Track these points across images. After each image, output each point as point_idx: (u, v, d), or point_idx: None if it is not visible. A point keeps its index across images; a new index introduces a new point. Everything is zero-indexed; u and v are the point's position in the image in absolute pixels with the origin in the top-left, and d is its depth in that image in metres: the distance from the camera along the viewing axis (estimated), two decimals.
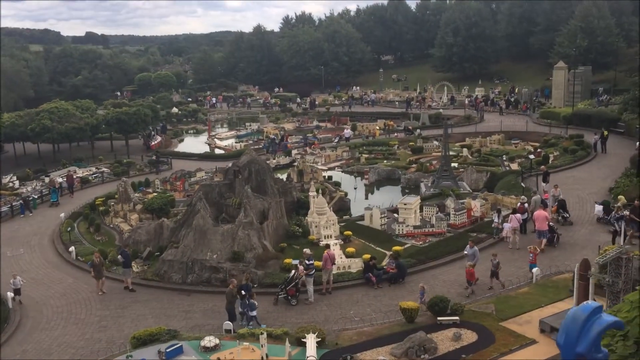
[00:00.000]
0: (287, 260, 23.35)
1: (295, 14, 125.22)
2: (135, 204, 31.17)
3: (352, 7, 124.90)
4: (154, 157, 44.92)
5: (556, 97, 59.34)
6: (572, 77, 56.82)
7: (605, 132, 41.01)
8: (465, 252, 21.78)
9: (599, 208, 26.61)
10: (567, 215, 26.75)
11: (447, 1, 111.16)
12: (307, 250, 22.28)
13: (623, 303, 9.84)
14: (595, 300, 16.67)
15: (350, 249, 24.75)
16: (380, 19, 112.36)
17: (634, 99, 42.20)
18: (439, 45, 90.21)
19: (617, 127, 45.33)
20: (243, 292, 19.34)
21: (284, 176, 36.13)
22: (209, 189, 27.54)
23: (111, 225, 30.64)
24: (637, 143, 37.77)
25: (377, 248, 25.32)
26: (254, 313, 19.07)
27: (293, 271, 21.60)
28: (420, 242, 25.57)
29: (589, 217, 27.22)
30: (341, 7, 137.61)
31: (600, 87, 62.41)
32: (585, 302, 6.39)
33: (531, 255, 21.13)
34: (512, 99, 64.90)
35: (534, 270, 20.94)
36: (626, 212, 23.18)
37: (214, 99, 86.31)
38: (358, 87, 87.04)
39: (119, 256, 23.60)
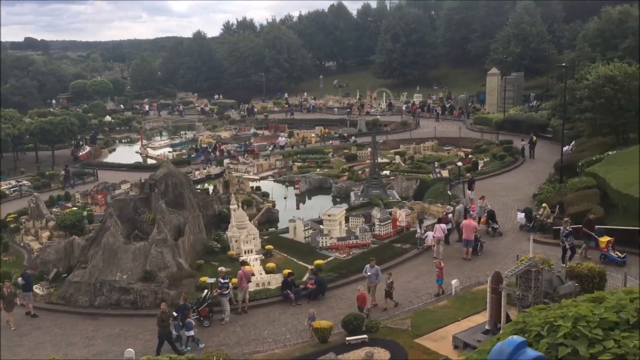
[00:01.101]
0: (203, 279, 22.27)
1: (237, 19, 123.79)
2: (47, 220, 29.40)
3: (295, 13, 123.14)
4: (63, 172, 42.38)
5: (490, 102, 60.23)
6: (504, 83, 57.72)
7: (534, 138, 41.57)
8: (367, 273, 20.39)
9: (521, 216, 26.62)
10: (497, 227, 26.45)
11: (388, 7, 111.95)
12: (221, 269, 21.25)
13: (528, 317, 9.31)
14: (508, 313, 16.37)
15: (271, 264, 23.88)
16: (322, 25, 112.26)
17: (561, 105, 42.92)
18: (380, 51, 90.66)
19: (546, 132, 46.10)
20: (176, 314, 18.43)
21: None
22: (123, 204, 26.16)
23: (21, 244, 28.80)
24: (564, 148, 38.38)
25: (300, 262, 24.55)
26: (192, 333, 18.30)
27: (206, 291, 20.59)
28: (344, 255, 24.93)
29: (513, 225, 27.21)
30: (295, 13, 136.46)
31: (532, 93, 63.72)
32: (510, 337, 6.10)
33: (437, 270, 20.57)
34: (448, 105, 65.53)
35: (453, 282, 20.58)
36: (569, 228, 22.12)
37: (147, 107, 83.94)
38: (305, 93, 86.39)
39: (19, 279, 21.99)
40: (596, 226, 22.47)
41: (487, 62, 72.01)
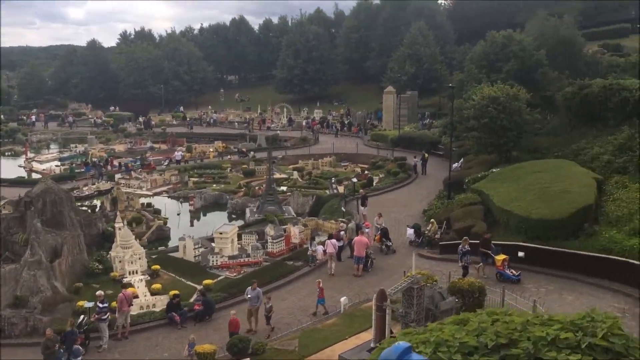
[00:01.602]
0: (80, 303, 20.83)
1: (135, 29, 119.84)
2: None
3: (197, 26, 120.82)
4: None
5: (386, 120, 61.89)
6: (399, 101, 59.53)
7: (426, 155, 43.00)
8: (248, 296, 19.84)
9: (410, 232, 27.22)
10: (390, 244, 26.73)
11: (290, 23, 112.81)
12: (100, 292, 19.97)
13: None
14: (392, 330, 16.45)
15: (157, 285, 22.79)
16: (224, 39, 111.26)
17: (451, 124, 44.74)
18: (281, 66, 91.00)
19: (437, 149, 47.86)
20: (64, 340, 17.07)
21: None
22: None
23: None
24: (453, 165, 39.95)
25: (188, 282, 23.65)
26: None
27: (82, 316, 19.27)
28: (235, 274, 24.31)
29: (403, 241, 27.74)
30: (196, 25, 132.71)
31: (426, 111, 66.20)
32: (396, 343, 5.89)
33: (318, 289, 20.34)
34: (347, 122, 66.64)
35: (342, 299, 20.54)
36: (467, 247, 22.32)
37: (34, 117, 78.98)
38: (210, 107, 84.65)
39: None
40: (493, 244, 22.78)
41: (384, 80, 74.09)
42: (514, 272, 21.69)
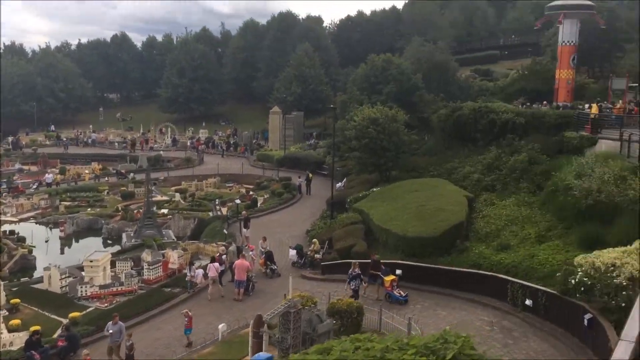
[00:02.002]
0: None
1: (4, 43, 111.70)
2: None
3: (74, 41, 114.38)
4: None
5: (272, 140, 61.85)
6: (285, 121, 59.75)
7: (310, 175, 43.26)
8: (108, 331, 18.43)
9: (292, 252, 27.02)
10: (275, 267, 26.20)
11: (175, 41, 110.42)
12: None
13: None
14: None
15: (16, 321, 20.81)
16: (104, 55, 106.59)
17: (336, 144, 45.43)
18: (165, 85, 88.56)
19: (322, 169, 48.38)
20: None
21: None
22: None
23: None
24: (337, 185, 40.46)
25: (53, 316, 21.84)
26: None
27: None
28: (106, 304, 22.76)
29: (286, 262, 27.46)
30: (74, 41, 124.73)
31: (312, 131, 66.96)
32: (257, 354, 5.44)
33: (186, 319, 19.42)
34: (233, 142, 65.87)
35: (220, 326, 19.76)
36: (357, 270, 21.63)
37: None
38: (91, 126, 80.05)
39: None
40: (382, 265, 22.43)
41: (270, 100, 74.19)
42: (401, 292, 21.52)
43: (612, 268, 15.21)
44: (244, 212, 32.83)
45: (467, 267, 21.94)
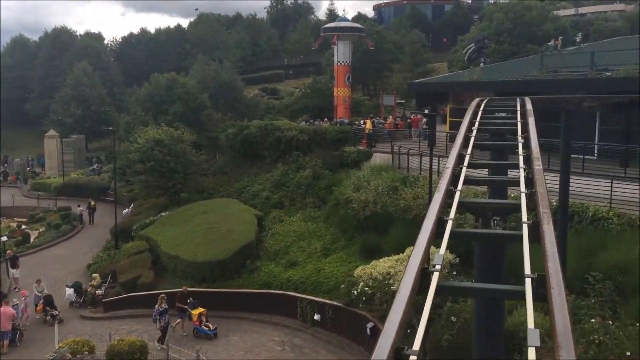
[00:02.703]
0: None
1: None
2: None
3: None
4: None
5: (50, 166, 56.42)
6: (63, 145, 54.86)
7: (93, 203, 40.05)
8: None
9: (69, 291, 24.37)
10: (57, 313, 22.92)
11: None
12: None
13: None
14: None
15: None
16: None
17: (120, 168, 42.72)
18: None
19: (108, 195, 45.11)
20: None
21: None
22: None
23: None
24: (123, 211, 37.97)
25: None
26: None
27: None
28: None
29: (63, 303, 24.64)
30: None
31: (98, 155, 62.47)
32: None
33: None
34: (1, 170, 58.71)
35: None
36: (165, 305, 19.67)
37: None
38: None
39: None
40: (190, 299, 20.62)
41: (46, 123, 67.73)
42: (210, 326, 20.05)
43: (388, 276, 15.97)
44: (9, 251, 28.77)
45: (258, 288, 21.71)
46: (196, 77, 53.47)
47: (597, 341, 11.76)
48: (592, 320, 12.56)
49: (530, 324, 3.37)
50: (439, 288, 3.92)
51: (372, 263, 17.39)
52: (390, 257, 17.15)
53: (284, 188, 30.66)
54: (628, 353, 11.31)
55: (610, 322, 12.69)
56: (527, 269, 4.00)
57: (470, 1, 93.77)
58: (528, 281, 3.83)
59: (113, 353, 16.42)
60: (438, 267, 4.03)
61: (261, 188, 31.80)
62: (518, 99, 10.78)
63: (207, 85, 50.95)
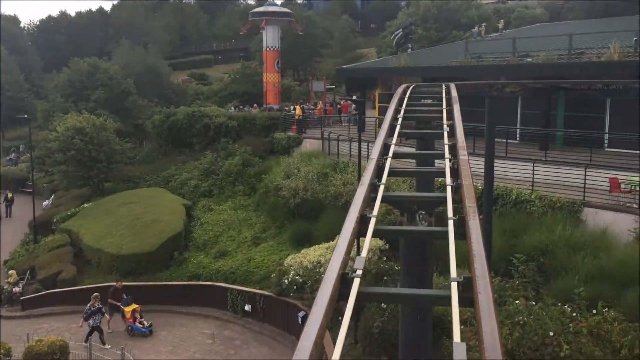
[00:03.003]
0: None
1: None
2: None
3: None
4: None
5: None
6: None
7: (10, 195, 37.95)
8: None
9: None
10: None
11: None
12: None
13: None
14: None
15: None
16: None
17: (39, 158, 40.58)
18: None
19: (26, 187, 42.79)
20: None
21: None
22: None
23: None
24: (43, 203, 36.26)
25: None
26: None
27: None
28: None
29: None
30: None
31: (15, 144, 59.16)
32: None
33: None
34: None
35: None
36: (98, 304, 18.41)
37: None
38: None
39: None
40: (124, 295, 19.53)
41: None
42: (144, 323, 19.07)
43: (319, 264, 15.82)
44: None
45: (187, 279, 21.13)
46: (120, 63, 51.34)
47: (521, 322, 12.02)
48: (517, 301, 12.84)
49: (457, 336, 3.01)
50: (360, 295, 3.53)
51: (302, 251, 17.20)
52: (321, 245, 17.01)
53: (213, 176, 29.97)
54: (551, 333, 11.62)
55: (534, 303, 13.02)
56: (453, 272, 3.70)
57: None
58: (454, 285, 3.48)
59: (31, 355, 15.52)
60: (359, 271, 3.68)
61: (189, 176, 30.99)
62: (444, 85, 10.75)
63: (131, 71, 49.01)
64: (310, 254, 16.40)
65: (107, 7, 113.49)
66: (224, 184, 28.97)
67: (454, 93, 10.10)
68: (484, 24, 42.42)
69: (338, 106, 37.36)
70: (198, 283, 20.65)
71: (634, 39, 21.10)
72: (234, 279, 20.04)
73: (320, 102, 37.26)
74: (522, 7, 65.95)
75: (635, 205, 17.06)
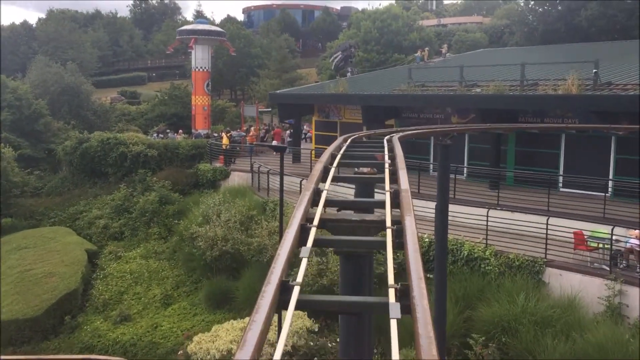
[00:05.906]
0: None
1: None
2: None
3: None
4: None
5: None
6: None
7: None
8: None
9: None
10: None
11: None
12: None
13: None
14: None
15: None
16: None
17: None
18: None
19: None
20: None
21: None
22: None
23: None
24: None
25: None
26: None
27: None
28: None
29: None
30: None
31: None
32: None
33: None
34: None
35: None
36: None
37: None
38: None
39: None
40: None
41: None
42: None
43: (229, 355, 12.53)
44: None
45: (77, 352, 17.36)
46: (34, 81, 46.66)
47: None
48: None
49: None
50: (299, 303, 2.97)
51: (213, 329, 13.87)
52: (236, 324, 13.74)
53: (126, 214, 26.23)
54: None
55: None
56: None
57: (339, 8, 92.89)
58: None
59: None
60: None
61: (100, 214, 27.06)
62: (385, 142, 7.84)
63: (46, 90, 44.54)
64: (222, 336, 13.07)
65: (33, 20, 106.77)
66: (138, 225, 25.26)
67: (399, 151, 7.24)
68: (427, 48, 40.44)
69: (272, 132, 34.27)
70: (89, 358, 16.92)
71: (594, 70, 19.01)
72: (134, 353, 16.49)
73: (253, 129, 34.02)
74: (462, 30, 65.09)
75: (604, 267, 14.69)
